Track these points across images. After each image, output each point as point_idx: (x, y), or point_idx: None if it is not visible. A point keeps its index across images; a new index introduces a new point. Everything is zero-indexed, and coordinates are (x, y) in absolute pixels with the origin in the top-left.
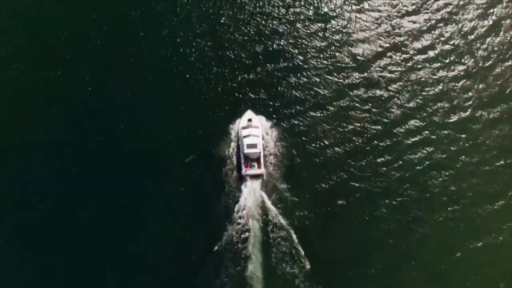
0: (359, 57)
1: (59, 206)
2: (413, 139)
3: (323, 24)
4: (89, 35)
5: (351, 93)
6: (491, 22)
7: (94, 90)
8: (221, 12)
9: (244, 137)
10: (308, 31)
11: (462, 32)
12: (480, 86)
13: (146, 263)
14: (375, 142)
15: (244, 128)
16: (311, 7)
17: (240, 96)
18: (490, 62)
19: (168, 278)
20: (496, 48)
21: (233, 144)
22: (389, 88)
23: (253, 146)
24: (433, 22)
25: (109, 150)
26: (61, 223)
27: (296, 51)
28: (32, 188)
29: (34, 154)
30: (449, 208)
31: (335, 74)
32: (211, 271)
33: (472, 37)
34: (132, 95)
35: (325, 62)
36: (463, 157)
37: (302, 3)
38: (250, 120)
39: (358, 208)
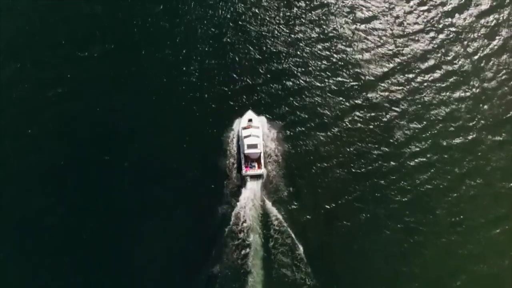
0: (362, 77)
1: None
2: (416, 160)
3: (327, 44)
4: (91, 53)
5: (354, 112)
6: (496, 42)
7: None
8: (224, 31)
9: (245, 137)
10: (312, 50)
11: (467, 52)
12: (485, 106)
13: (142, 272)
14: (378, 155)
15: (244, 128)
16: (315, 26)
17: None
18: (495, 82)
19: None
20: (501, 68)
21: (233, 145)
22: (393, 108)
23: (254, 146)
24: (438, 41)
25: (109, 152)
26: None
27: (300, 69)
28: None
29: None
30: (452, 230)
31: (338, 93)
32: (211, 275)
33: (477, 57)
34: (134, 96)
35: (327, 80)
36: (467, 179)
37: (307, 23)
38: (250, 120)
39: (361, 225)
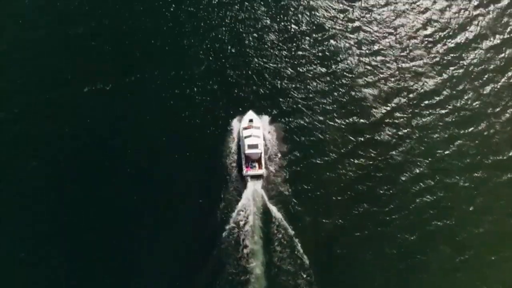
0: (363, 102)
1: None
2: (418, 187)
3: (328, 67)
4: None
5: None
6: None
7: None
8: (225, 34)
9: (245, 137)
10: (313, 73)
11: (469, 77)
12: (486, 132)
13: (141, 273)
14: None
15: (245, 128)
16: (318, 29)
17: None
18: (499, 108)
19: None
20: (504, 95)
21: (234, 145)
22: (394, 132)
23: (254, 146)
24: (440, 66)
25: (109, 152)
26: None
27: (303, 71)
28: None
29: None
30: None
31: (339, 117)
32: (210, 276)
33: (480, 81)
34: (133, 97)
35: (331, 83)
36: (469, 205)
37: (308, 45)
38: (251, 120)
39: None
